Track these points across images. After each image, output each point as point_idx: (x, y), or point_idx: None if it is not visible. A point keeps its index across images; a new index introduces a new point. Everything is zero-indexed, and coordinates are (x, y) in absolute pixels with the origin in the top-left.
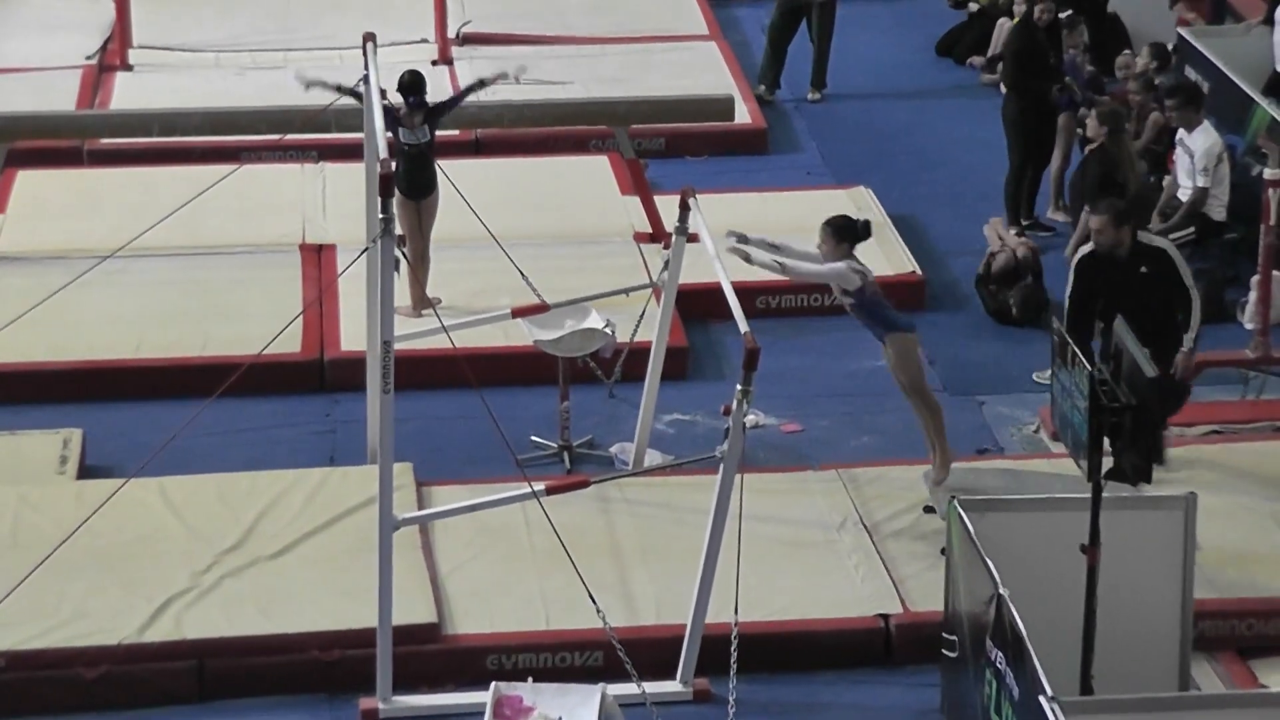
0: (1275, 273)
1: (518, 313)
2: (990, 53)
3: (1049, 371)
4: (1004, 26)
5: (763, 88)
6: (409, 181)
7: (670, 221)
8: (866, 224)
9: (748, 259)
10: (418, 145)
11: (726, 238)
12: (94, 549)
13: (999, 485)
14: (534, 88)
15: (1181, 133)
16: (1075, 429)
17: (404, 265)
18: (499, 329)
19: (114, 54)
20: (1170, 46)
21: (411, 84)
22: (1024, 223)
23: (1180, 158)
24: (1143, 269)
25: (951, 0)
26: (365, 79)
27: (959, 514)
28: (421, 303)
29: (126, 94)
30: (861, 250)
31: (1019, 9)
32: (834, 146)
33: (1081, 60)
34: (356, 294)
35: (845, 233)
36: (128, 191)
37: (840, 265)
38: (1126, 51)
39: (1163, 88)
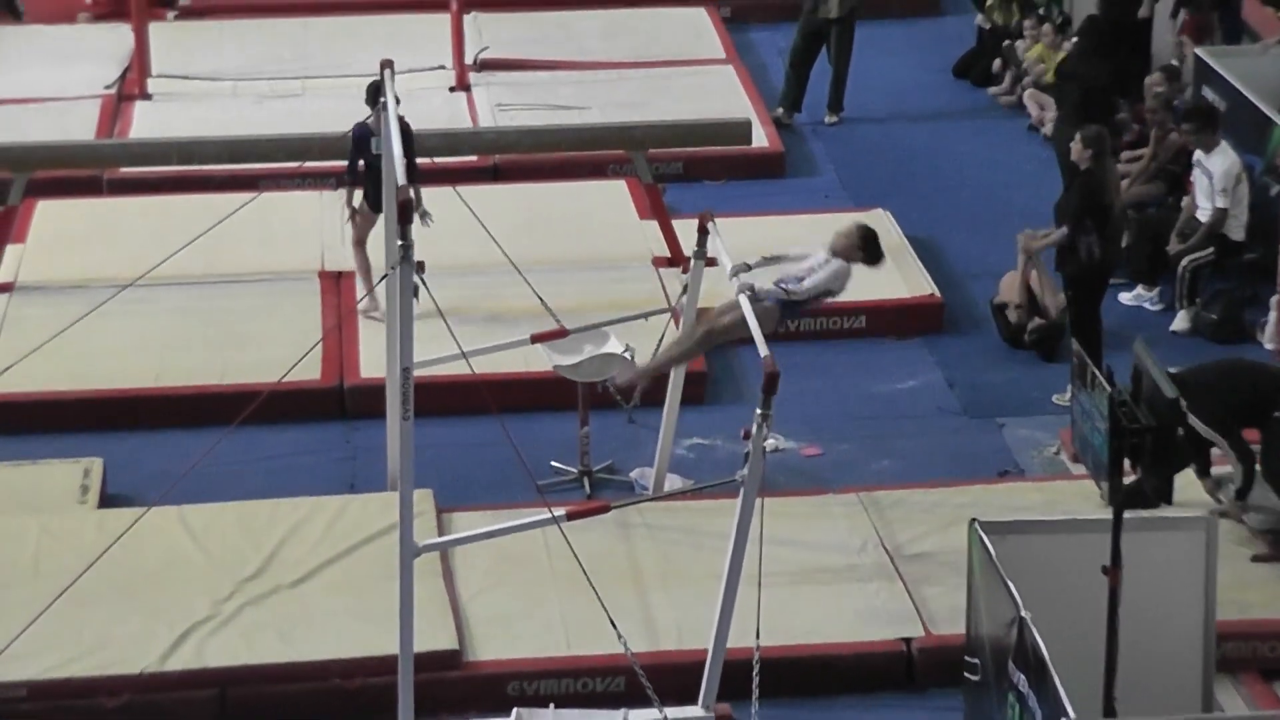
0: None
1: (537, 338)
2: (995, 70)
3: (1069, 394)
4: (1015, 48)
5: (781, 110)
6: (377, 195)
7: (689, 246)
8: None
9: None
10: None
11: (732, 279)
12: (115, 578)
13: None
14: (551, 113)
15: (1199, 154)
16: (1096, 451)
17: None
18: (518, 355)
19: (132, 83)
20: (1175, 61)
21: (376, 89)
22: None
23: (1199, 179)
24: None
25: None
26: (383, 106)
27: (980, 537)
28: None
29: (145, 123)
30: (881, 272)
31: (1030, 32)
32: (852, 169)
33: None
34: (376, 321)
35: (871, 248)
36: (147, 220)
37: (843, 265)
38: (1158, 72)
39: (1179, 110)
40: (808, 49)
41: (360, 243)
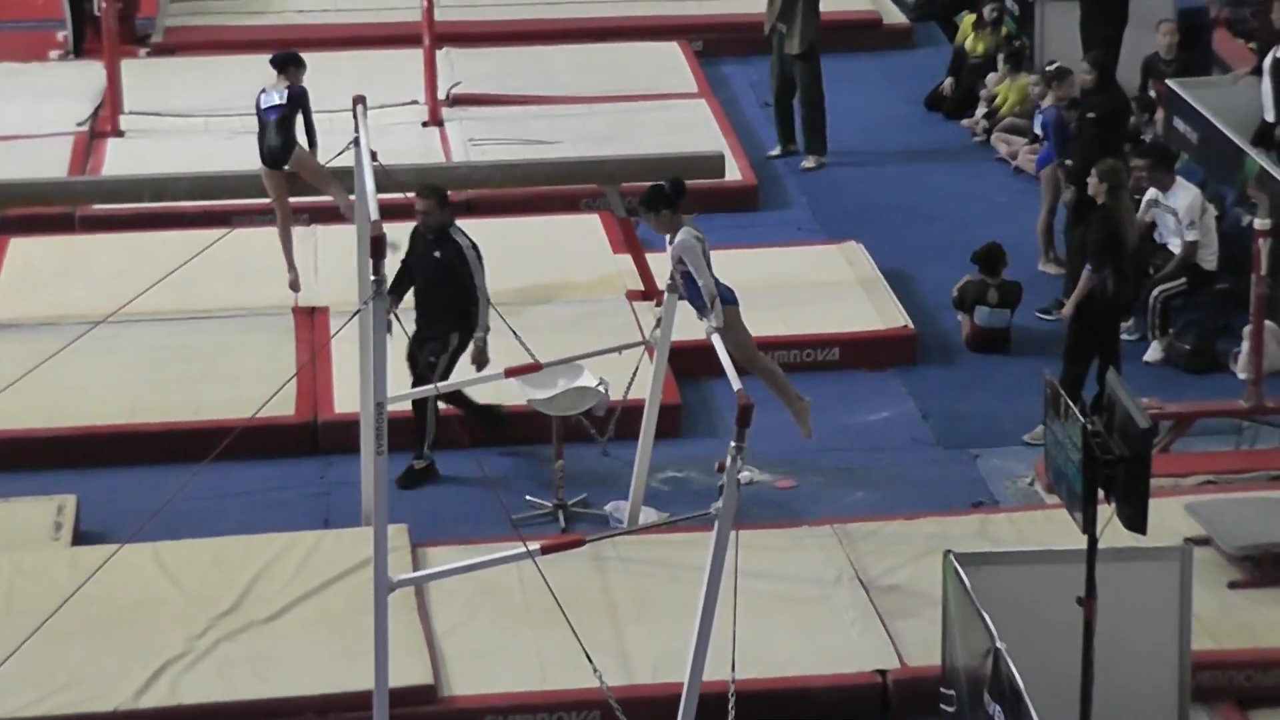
0: (1267, 322)
1: (511, 372)
2: (981, 111)
3: (1039, 429)
4: (991, 81)
5: (779, 149)
6: (266, 149)
7: (662, 279)
8: (675, 180)
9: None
10: (276, 106)
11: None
12: (89, 615)
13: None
14: (524, 147)
15: (1159, 195)
16: (1070, 481)
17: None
18: (492, 389)
19: (105, 120)
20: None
21: (283, 61)
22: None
23: (1162, 218)
24: None
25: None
26: (356, 141)
27: (955, 568)
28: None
29: (117, 160)
30: (854, 304)
31: (1003, 65)
32: (824, 202)
33: (1068, 115)
34: (349, 356)
35: (659, 200)
36: (119, 257)
37: (684, 238)
38: (1130, 102)
39: (1130, 151)
40: (782, 82)
41: (278, 202)
